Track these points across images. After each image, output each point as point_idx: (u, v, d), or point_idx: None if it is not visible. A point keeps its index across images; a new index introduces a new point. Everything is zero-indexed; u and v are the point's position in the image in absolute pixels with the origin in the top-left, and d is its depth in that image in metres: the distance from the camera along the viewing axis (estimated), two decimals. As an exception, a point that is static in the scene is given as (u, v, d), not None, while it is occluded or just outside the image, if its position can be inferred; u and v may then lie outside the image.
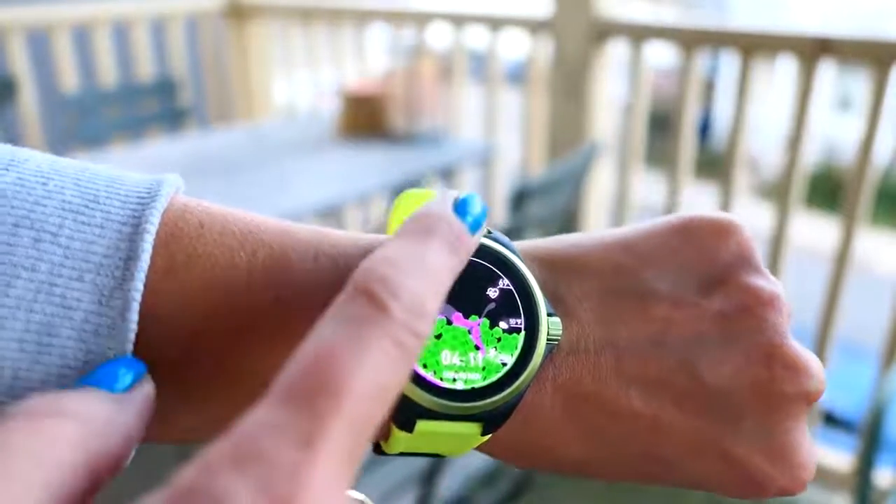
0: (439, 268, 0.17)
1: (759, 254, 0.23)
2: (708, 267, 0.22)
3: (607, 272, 0.22)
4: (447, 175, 1.80)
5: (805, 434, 0.22)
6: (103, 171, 0.21)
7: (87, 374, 0.18)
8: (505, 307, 0.21)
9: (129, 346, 0.18)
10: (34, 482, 0.14)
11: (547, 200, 1.22)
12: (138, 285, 0.18)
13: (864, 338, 2.91)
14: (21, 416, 0.15)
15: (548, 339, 0.20)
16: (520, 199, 1.06)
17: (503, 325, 0.20)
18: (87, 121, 1.93)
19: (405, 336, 0.15)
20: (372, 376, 0.15)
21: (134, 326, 0.18)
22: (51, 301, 0.18)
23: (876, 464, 0.98)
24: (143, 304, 0.19)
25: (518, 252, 0.22)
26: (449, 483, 1.07)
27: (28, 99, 1.95)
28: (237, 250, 0.20)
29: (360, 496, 0.20)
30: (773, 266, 1.47)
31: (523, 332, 0.20)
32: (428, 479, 1.01)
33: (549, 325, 0.21)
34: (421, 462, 1.11)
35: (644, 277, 0.22)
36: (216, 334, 0.19)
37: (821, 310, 1.43)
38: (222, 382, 0.20)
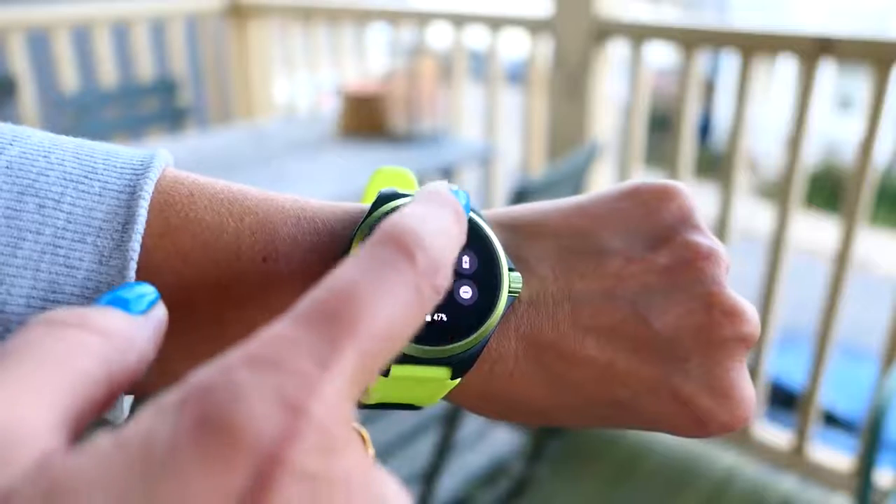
0: (455, 233, 0.19)
1: (700, 214, 0.25)
2: (654, 227, 0.25)
3: (564, 234, 0.25)
4: (447, 175, 1.80)
5: (744, 374, 0.24)
6: (99, 146, 0.23)
7: (107, 293, 0.18)
8: (472, 263, 0.23)
9: None
10: (55, 385, 0.14)
11: (547, 200, 1.22)
12: (135, 245, 0.20)
13: (864, 338, 2.92)
14: (44, 324, 0.15)
15: (509, 292, 0.23)
16: (520, 199, 1.06)
17: (468, 279, 0.23)
18: (87, 121, 1.92)
19: (425, 286, 0.16)
20: (388, 317, 0.15)
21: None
22: (55, 261, 0.20)
23: (876, 464, 0.98)
24: (140, 263, 0.20)
25: (484, 216, 0.24)
26: (449, 483, 1.07)
27: (28, 99, 1.95)
28: (225, 216, 0.22)
29: (359, 427, 0.21)
30: (774, 266, 1.47)
31: (487, 286, 0.23)
32: (428, 479, 1.01)
33: (511, 280, 0.23)
34: (421, 462, 1.10)
35: (598, 237, 0.24)
36: (209, 289, 0.21)
37: (821, 310, 1.43)
38: (216, 331, 0.21)
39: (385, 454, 1.13)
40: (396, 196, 0.23)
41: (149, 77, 2.20)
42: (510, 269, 0.23)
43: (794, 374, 1.90)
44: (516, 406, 0.24)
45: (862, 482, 0.98)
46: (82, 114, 1.93)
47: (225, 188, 0.23)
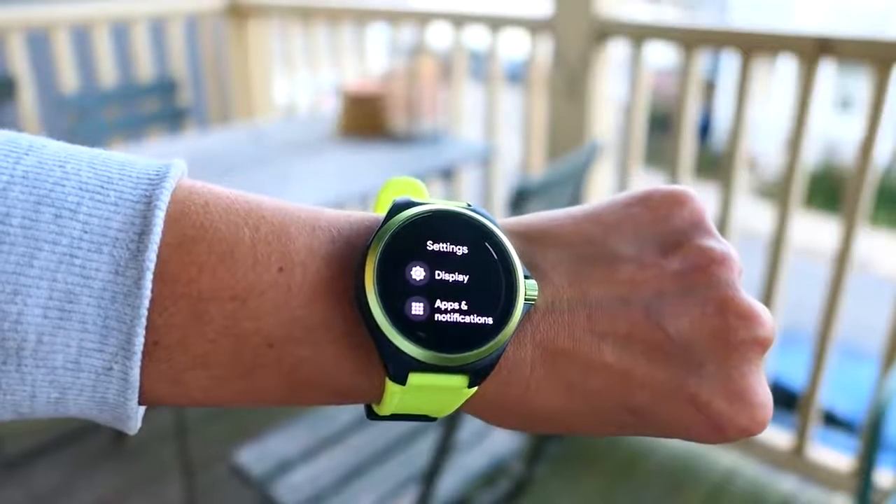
0: None
1: (711, 219, 0.26)
2: (666, 232, 0.25)
3: (578, 241, 0.25)
4: (447, 175, 1.80)
5: (761, 378, 0.24)
6: (114, 155, 0.22)
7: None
8: (488, 272, 0.23)
9: (144, 312, 0.20)
10: None
11: (547, 200, 1.22)
12: (151, 256, 0.20)
13: (864, 338, 2.92)
14: None
15: (525, 300, 0.23)
16: (520, 199, 1.06)
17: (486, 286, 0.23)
18: (87, 121, 1.92)
19: None
20: None
21: (148, 293, 0.20)
22: (71, 271, 0.19)
23: (876, 464, 0.98)
24: (155, 274, 0.20)
25: (498, 224, 0.24)
26: (449, 483, 1.07)
27: (28, 99, 1.95)
28: (241, 226, 0.22)
29: None
30: (774, 266, 1.47)
31: (504, 294, 0.23)
32: (428, 479, 1.01)
33: (527, 287, 0.23)
34: (421, 462, 1.11)
35: (610, 244, 0.24)
36: (225, 300, 0.21)
37: (821, 310, 1.43)
38: (230, 343, 0.21)
39: (385, 454, 1.13)
40: (412, 204, 0.23)
41: (149, 77, 2.20)
42: (526, 277, 0.23)
43: (794, 374, 1.90)
44: (532, 415, 0.24)
45: (862, 482, 0.98)
46: (82, 114, 1.93)
47: (240, 198, 0.23)
